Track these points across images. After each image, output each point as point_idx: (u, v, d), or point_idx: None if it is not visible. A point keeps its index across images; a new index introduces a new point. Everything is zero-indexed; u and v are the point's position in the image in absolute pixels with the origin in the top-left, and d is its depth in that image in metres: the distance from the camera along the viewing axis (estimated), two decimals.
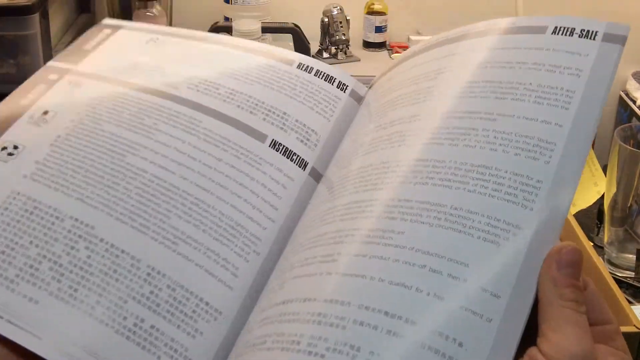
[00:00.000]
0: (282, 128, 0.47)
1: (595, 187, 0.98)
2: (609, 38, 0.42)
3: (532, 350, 0.33)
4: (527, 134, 0.39)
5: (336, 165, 0.47)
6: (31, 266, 0.38)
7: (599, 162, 1.01)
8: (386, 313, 0.34)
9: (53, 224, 0.39)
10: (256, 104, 0.48)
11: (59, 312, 0.37)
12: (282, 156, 0.46)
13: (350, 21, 1.53)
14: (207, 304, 0.40)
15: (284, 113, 0.48)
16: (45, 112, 0.46)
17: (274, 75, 0.50)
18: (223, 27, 1.36)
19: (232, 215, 0.43)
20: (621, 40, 0.42)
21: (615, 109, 1.54)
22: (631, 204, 0.84)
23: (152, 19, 1.35)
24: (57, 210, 0.40)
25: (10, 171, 0.42)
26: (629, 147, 0.84)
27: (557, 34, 0.43)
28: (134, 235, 0.40)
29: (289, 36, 1.42)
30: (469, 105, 0.42)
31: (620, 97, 1.51)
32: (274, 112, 0.48)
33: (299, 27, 1.43)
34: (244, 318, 0.40)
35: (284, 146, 0.47)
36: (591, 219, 0.96)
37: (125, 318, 0.38)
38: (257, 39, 1.24)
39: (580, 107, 0.39)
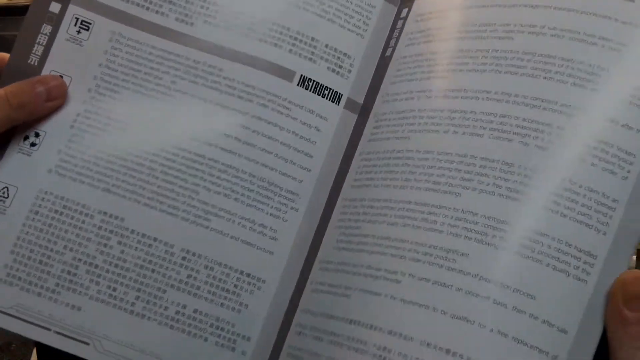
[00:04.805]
0: (310, 59, 0.43)
1: None
2: None
3: None
4: (607, 141, 0.34)
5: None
6: (69, 272, 0.39)
7: None
8: (447, 351, 0.32)
9: (83, 222, 0.39)
10: (281, 33, 0.43)
11: (102, 315, 0.38)
12: (313, 94, 0.42)
13: None
14: (248, 275, 0.40)
15: (312, 39, 0.43)
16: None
17: None
18: None
19: (264, 175, 0.41)
20: None
21: None
22: None
23: None
24: (86, 206, 0.39)
25: (35, 167, 0.40)
26: None
27: None
28: (164, 220, 0.39)
29: None
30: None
31: None
32: (300, 40, 0.43)
33: None
34: (289, 279, 0.40)
35: (313, 81, 0.43)
36: None
37: (166, 308, 0.38)
38: None
39: None
